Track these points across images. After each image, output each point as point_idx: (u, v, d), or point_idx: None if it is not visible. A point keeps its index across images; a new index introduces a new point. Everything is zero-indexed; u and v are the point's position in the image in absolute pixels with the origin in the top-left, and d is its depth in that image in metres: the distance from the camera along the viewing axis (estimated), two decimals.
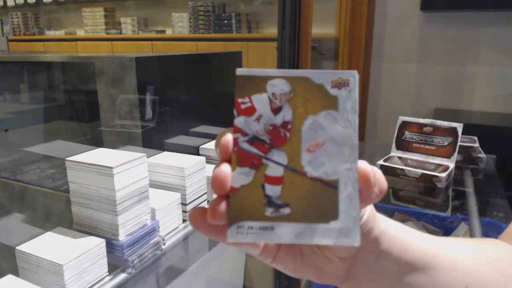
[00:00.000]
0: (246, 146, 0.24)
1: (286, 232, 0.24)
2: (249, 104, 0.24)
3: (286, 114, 0.24)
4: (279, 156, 0.24)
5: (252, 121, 0.24)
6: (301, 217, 0.24)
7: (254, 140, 0.24)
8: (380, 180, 0.26)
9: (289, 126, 0.24)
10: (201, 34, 3.71)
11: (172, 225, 0.82)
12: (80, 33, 4.61)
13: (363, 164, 0.25)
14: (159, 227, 0.76)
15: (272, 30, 3.50)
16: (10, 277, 0.59)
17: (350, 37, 2.38)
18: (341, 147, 0.24)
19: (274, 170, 0.24)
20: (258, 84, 0.24)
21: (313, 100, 0.24)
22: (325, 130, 0.24)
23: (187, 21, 3.79)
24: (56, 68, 1.36)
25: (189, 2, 3.73)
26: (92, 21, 4.34)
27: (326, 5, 2.70)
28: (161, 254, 0.76)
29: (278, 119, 0.24)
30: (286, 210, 0.24)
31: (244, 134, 0.24)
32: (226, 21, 3.61)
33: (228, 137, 0.24)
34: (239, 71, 0.24)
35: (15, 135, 1.26)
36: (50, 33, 4.73)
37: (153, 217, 0.76)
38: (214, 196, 0.24)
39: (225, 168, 0.24)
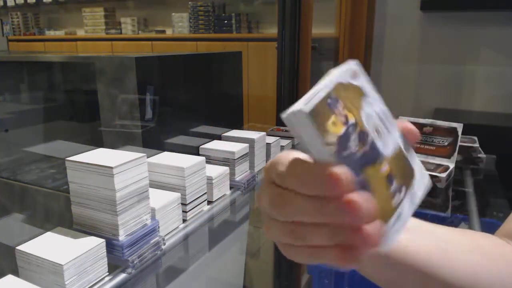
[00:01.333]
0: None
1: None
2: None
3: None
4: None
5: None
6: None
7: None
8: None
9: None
10: (201, 34, 3.71)
11: (172, 225, 0.82)
12: (80, 33, 4.61)
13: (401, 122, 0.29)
14: (159, 227, 0.76)
15: (272, 30, 3.50)
16: (10, 277, 0.59)
17: (350, 37, 2.38)
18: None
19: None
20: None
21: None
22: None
23: (187, 21, 3.79)
24: (56, 68, 1.36)
25: (189, 2, 3.72)
26: (92, 21, 4.34)
27: (326, 5, 2.69)
28: (161, 254, 0.76)
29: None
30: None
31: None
32: (226, 21, 3.61)
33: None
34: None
35: (15, 135, 1.26)
36: (50, 33, 4.73)
37: (153, 217, 0.76)
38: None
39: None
